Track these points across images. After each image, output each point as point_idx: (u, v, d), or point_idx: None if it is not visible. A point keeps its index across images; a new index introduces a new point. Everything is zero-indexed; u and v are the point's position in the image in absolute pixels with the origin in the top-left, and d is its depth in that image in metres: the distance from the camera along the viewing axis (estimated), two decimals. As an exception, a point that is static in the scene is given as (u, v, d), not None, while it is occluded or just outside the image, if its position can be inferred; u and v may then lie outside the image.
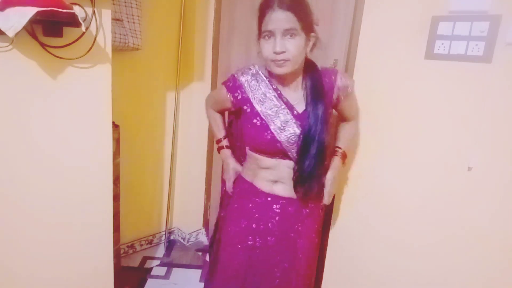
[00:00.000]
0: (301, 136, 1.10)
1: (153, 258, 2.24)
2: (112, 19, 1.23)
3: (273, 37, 1.01)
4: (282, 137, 1.11)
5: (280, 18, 0.99)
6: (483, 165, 1.10)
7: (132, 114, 2.05)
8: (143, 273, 2.08)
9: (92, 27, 1.11)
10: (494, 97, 1.06)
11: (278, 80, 1.13)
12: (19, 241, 1.16)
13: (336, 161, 1.25)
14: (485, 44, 1.05)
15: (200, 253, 2.30)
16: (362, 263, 1.45)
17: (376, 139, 1.34)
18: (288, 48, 1.00)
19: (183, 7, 2.07)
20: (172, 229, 2.45)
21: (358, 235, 1.44)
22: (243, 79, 1.16)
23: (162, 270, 2.11)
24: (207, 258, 2.11)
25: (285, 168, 1.16)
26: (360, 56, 1.34)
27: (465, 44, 1.08)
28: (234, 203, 1.28)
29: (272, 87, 1.14)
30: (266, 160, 1.17)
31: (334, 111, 1.23)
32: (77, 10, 1.03)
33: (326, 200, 1.23)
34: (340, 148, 1.27)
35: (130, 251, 2.26)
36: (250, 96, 1.14)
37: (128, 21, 1.78)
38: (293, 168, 1.14)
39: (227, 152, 1.33)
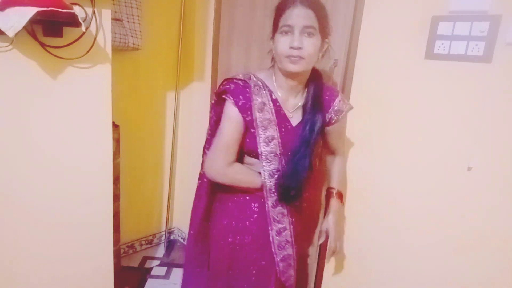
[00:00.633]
0: (296, 145, 1.10)
1: (153, 258, 2.24)
2: (112, 19, 1.23)
3: (291, 33, 1.01)
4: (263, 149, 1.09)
5: (300, 15, 0.99)
6: (483, 165, 1.10)
7: (132, 114, 2.05)
8: (143, 273, 2.08)
9: (92, 27, 1.11)
10: (494, 97, 1.06)
11: (285, 79, 1.11)
12: (19, 241, 1.16)
13: (333, 204, 1.25)
14: (485, 44, 1.05)
15: (200, 253, 2.31)
16: (362, 263, 1.45)
17: (375, 139, 1.34)
18: (304, 45, 1.00)
19: (183, 7, 2.07)
20: (172, 229, 2.45)
21: (358, 235, 1.44)
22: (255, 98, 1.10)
23: (162, 270, 2.11)
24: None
25: None
26: (360, 56, 1.34)
27: (465, 44, 1.08)
28: (216, 201, 1.27)
29: (271, 97, 1.10)
30: (249, 158, 1.16)
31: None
32: (77, 10, 1.03)
33: (333, 247, 1.24)
34: (334, 188, 1.28)
35: (130, 251, 2.26)
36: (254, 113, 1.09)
37: (128, 21, 1.78)
38: (277, 179, 1.11)
39: None
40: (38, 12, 0.90)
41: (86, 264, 1.33)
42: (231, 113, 1.08)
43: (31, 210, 1.16)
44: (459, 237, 1.17)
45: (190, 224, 1.34)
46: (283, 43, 1.02)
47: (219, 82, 2.11)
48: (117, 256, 1.74)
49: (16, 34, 0.90)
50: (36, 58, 1.06)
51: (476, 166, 1.11)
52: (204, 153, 1.25)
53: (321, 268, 1.58)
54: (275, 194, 1.12)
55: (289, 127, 1.12)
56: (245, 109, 1.07)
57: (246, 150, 1.14)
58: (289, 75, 1.08)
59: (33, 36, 1.02)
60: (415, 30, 1.19)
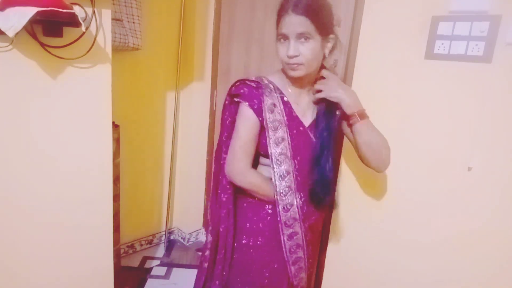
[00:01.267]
0: (315, 148, 1.11)
1: (153, 258, 2.24)
2: (112, 19, 1.23)
3: (287, 40, 1.02)
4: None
5: (293, 22, 0.99)
6: (483, 165, 1.10)
7: (132, 114, 2.05)
8: (143, 273, 2.08)
9: (92, 27, 1.11)
10: (494, 97, 1.06)
11: (292, 82, 1.13)
12: (19, 242, 1.16)
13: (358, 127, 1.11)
14: (485, 44, 1.05)
15: (200, 253, 2.30)
16: (362, 263, 1.44)
17: (376, 139, 1.34)
18: (301, 51, 1.01)
19: (183, 7, 2.07)
20: (172, 229, 2.46)
21: (358, 235, 1.44)
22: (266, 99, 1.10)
23: (162, 270, 2.11)
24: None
25: None
26: (360, 56, 1.34)
27: (465, 44, 1.08)
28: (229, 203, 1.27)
29: (283, 100, 1.11)
30: (264, 159, 1.17)
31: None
32: (77, 10, 1.03)
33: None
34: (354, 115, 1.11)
35: (130, 251, 2.26)
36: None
37: (128, 21, 1.78)
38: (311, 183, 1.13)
39: None
40: (38, 12, 0.90)
41: (86, 264, 1.33)
42: (248, 114, 1.09)
43: (30, 210, 1.16)
44: (459, 237, 1.17)
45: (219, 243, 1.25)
46: (281, 51, 1.04)
47: (219, 82, 2.12)
48: (117, 256, 1.74)
49: (16, 34, 0.90)
50: (36, 58, 1.06)
51: (476, 166, 1.11)
52: (219, 157, 1.21)
53: (321, 268, 1.58)
54: (286, 197, 1.11)
55: (301, 129, 1.13)
56: (260, 112, 1.09)
57: (261, 150, 1.15)
58: (294, 79, 1.10)
59: (33, 36, 1.02)
60: (415, 30, 1.19)
